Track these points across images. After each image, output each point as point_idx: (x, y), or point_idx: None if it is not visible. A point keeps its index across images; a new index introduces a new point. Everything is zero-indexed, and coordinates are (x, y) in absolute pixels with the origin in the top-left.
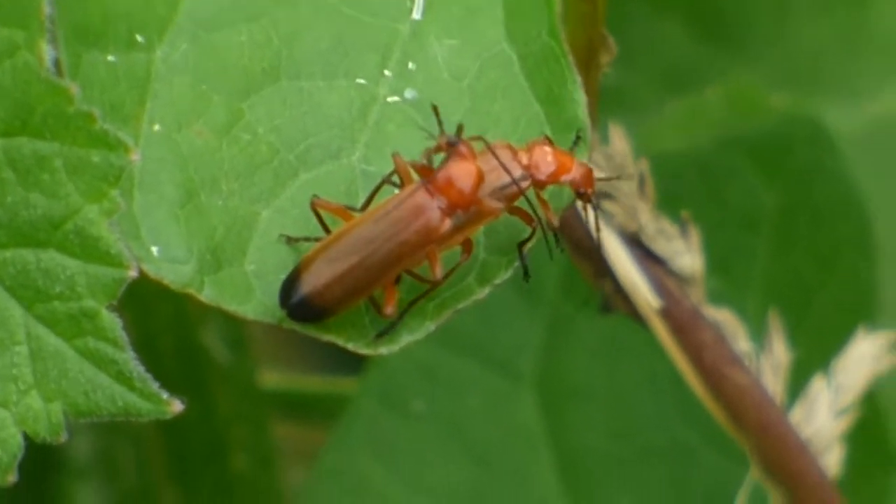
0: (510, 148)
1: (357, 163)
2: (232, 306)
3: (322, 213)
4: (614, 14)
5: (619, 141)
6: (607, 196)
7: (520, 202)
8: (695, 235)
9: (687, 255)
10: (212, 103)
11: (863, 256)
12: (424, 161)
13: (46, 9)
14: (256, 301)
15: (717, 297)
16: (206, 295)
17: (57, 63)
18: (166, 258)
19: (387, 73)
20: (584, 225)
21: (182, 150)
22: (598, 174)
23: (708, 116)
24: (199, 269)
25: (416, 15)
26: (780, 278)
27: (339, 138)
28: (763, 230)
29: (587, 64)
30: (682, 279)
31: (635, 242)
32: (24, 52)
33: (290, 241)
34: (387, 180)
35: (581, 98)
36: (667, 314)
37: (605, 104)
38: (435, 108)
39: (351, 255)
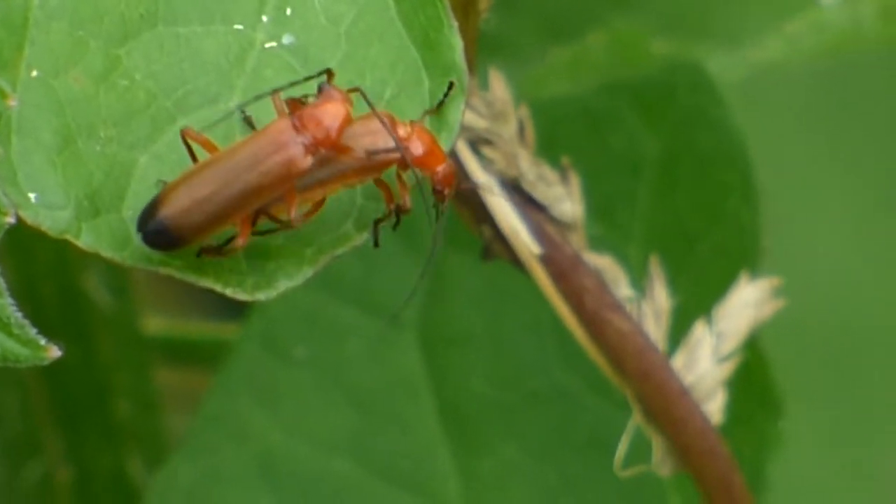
0: (392, 117)
1: (234, 108)
2: (109, 252)
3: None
4: None
5: (498, 87)
6: (487, 142)
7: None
8: (575, 181)
9: (567, 202)
10: (89, 49)
11: (745, 203)
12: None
13: None
14: (134, 247)
15: (598, 244)
16: (84, 241)
17: None
18: (44, 204)
19: (264, 18)
20: (463, 171)
21: (60, 96)
22: (478, 120)
23: (590, 63)
24: (77, 215)
25: None
26: (662, 225)
27: (217, 84)
28: (645, 176)
29: (465, 9)
30: (562, 225)
31: (515, 188)
32: None
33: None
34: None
35: (458, 43)
36: (547, 260)
37: (486, 51)
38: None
39: (210, 184)
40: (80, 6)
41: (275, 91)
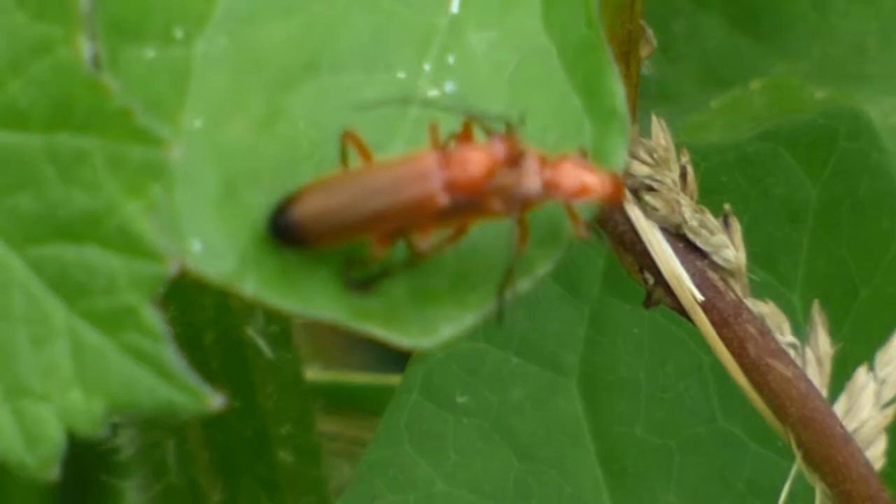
0: (540, 158)
1: None
2: (273, 301)
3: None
4: (656, 7)
5: (660, 134)
6: (650, 189)
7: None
8: (737, 228)
9: (729, 248)
10: (251, 98)
11: None
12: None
13: (83, 4)
14: (297, 296)
15: (760, 290)
16: (248, 290)
17: (95, 59)
18: (208, 253)
19: (426, 66)
20: (626, 218)
21: (222, 145)
22: (640, 167)
23: (750, 110)
24: (241, 264)
25: (454, 8)
26: (823, 271)
27: (381, 132)
28: (806, 223)
29: (627, 56)
30: (724, 272)
31: (678, 236)
32: (63, 48)
33: None
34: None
35: (620, 90)
36: (710, 307)
37: (647, 98)
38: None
39: (346, 195)
40: (242, 55)
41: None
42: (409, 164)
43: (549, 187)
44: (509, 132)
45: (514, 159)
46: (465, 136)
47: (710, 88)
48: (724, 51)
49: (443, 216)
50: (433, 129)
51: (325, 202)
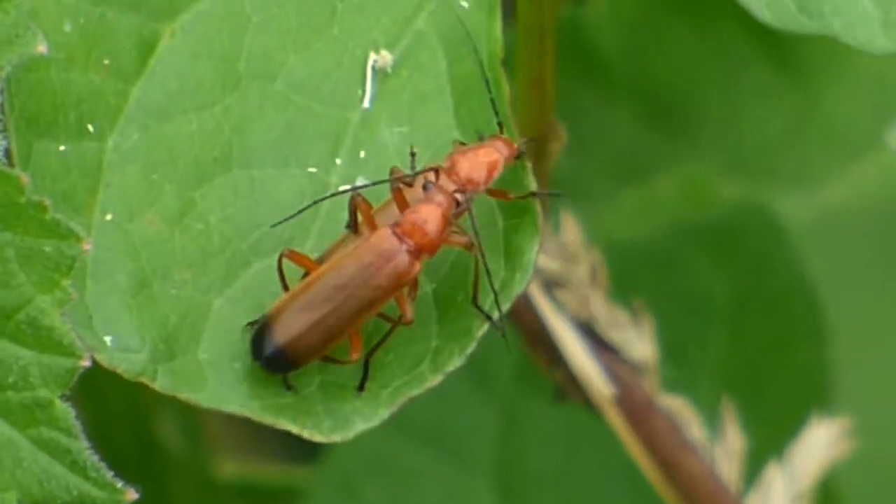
0: (442, 171)
1: (310, 252)
2: (186, 395)
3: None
4: (565, 103)
5: (571, 229)
6: (560, 284)
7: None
8: (647, 324)
9: (640, 344)
10: (163, 192)
11: (815, 344)
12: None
13: None
14: (210, 389)
15: (670, 386)
16: (160, 384)
17: (8, 152)
18: (119, 347)
19: (338, 161)
20: (536, 313)
21: (134, 239)
22: (550, 263)
23: (660, 205)
24: (153, 358)
25: (367, 104)
26: (733, 366)
27: (291, 227)
28: (716, 318)
29: (538, 152)
30: (635, 367)
31: (588, 331)
32: None
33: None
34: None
35: (532, 184)
36: (620, 402)
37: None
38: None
39: (322, 304)
40: (154, 149)
41: (356, 189)
42: (369, 250)
43: (472, 187)
44: (435, 173)
45: (451, 197)
46: (399, 201)
47: (620, 183)
48: (633, 146)
49: (415, 281)
50: (362, 207)
51: (303, 320)
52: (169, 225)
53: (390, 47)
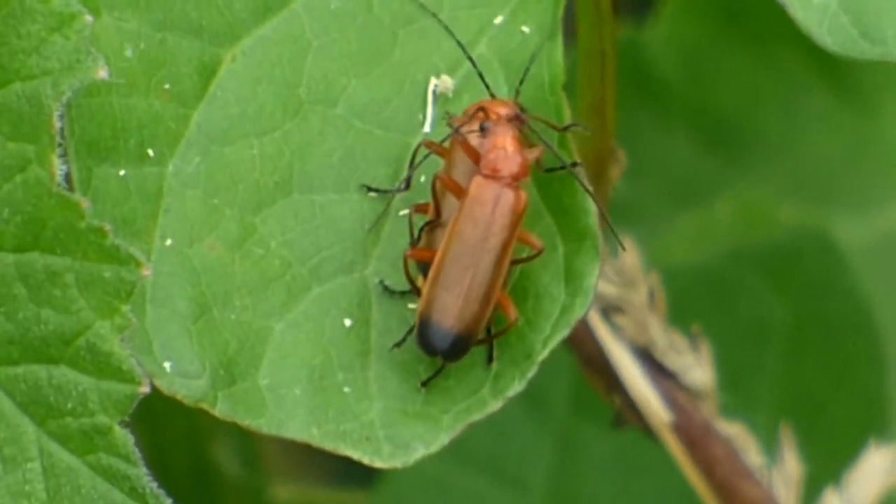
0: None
1: (370, 276)
2: (246, 421)
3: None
4: (623, 126)
5: (629, 254)
6: (618, 309)
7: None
8: (705, 349)
9: (698, 369)
10: (224, 217)
11: (873, 370)
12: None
13: (56, 123)
14: (270, 415)
15: (728, 411)
16: (220, 410)
17: (68, 177)
18: (179, 373)
19: (399, 184)
20: (594, 338)
21: (194, 264)
22: (609, 288)
23: (717, 229)
24: (213, 383)
25: (427, 128)
26: (791, 392)
27: (352, 252)
28: (773, 344)
29: (597, 176)
30: (693, 393)
31: (646, 356)
32: (35, 167)
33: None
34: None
35: (592, 208)
36: (678, 428)
37: (614, 217)
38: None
39: (463, 274)
40: (214, 174)
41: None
42: (476, 204)
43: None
44: (483, 113)
45: (510, 120)
46: (468, 150)
47: (677, 207)
48: (691, 170)
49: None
50: (444, 180)
51: (455, 296)
52: (229, 250)
53: (451, 72)
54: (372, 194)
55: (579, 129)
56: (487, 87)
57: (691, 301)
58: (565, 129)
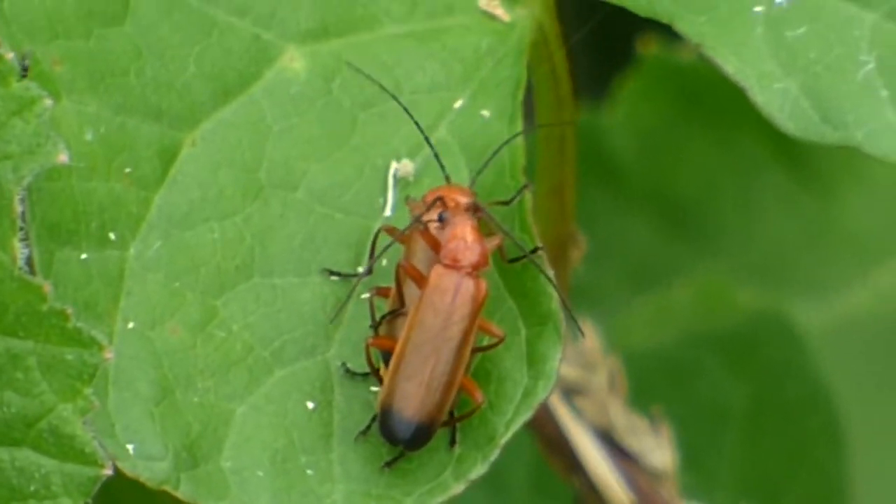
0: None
1: (332, 359)
2: (209, 503)
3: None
4: (582, 210)
5: (590, 337)
6: (579, 392)
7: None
8: (666, 431)
9: (658, 451)
10: (185, 301)
11: (831, 452)
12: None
13: (18, 207)
14: (233, 497)
15: (688, 493)
16: (183, 492)
17: (30, 261)
18: (142, 455)
19: (359, 269)
20: (555, 421)
21: (156, 347)
22: (570, 370)
23: (676, 312)
24: (176, 466)
25: (388, 212)
26: (750, 473)
27: (314, 335)
28: (733, 426)
29: (558, 260)
30: (653, 475)
31: (607, 438)
32: None
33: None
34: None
35: (554, 292)
36: None
37: (574, 300)
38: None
39: (424, 363)
40: (176, 258)
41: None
42: (436, 293)
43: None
44: (441, 202)
45: (468, 210)
46: (429, 240)
47: (636, 290)
48: (649, 253)
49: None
50: (407, 269)
51: (416, 386)
52: (191, 333)
53: (412, 156)
54: (333, 278)
55: (528, 190)
56: (444, 170)
57: (651, 384)
58: (514, 197)
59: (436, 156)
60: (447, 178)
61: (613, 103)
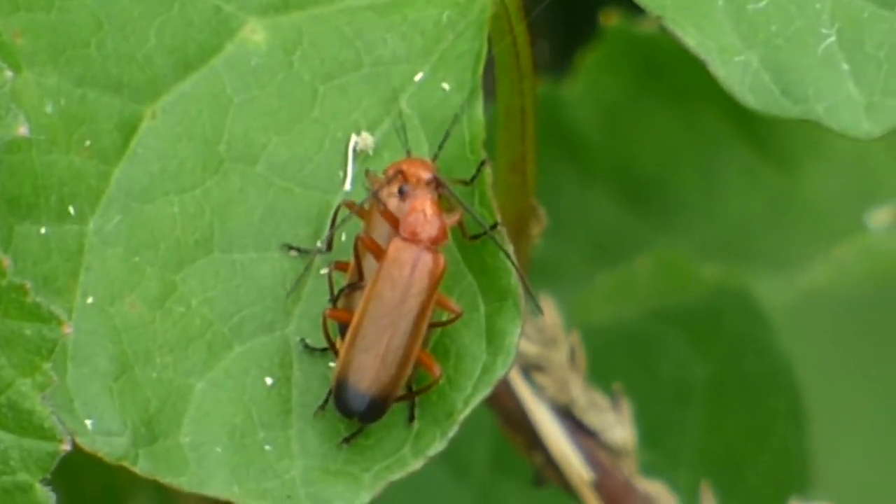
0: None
1: (291, 335)
2: (167, 478)
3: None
4: (543, 184)
5: (549, 313)
6: (539, 368)
7: None
8: (626, 407)
9: (618, 428)
10: (145, 275)
11: (794, 428)
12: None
13: None
14: (192, 473)
15: (649, 470)
16: (141, 467)
17: None
18: (100, 431)
19: (319, 244)
20: (514, 397)
21: (115, 322)
22: (529, 346)
23: (637, 287)
24: (134, 441)
25: (348, 186)
26: (711, 450)
27: (273, 311)
28: (694, 402)
29: (518, 234)
30: (613, 451)
31: (567, 414)
32: None
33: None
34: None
35: (512, 268)
36: (599, 487)
37: (535, 275)
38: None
39: (380, 336)
40: (135, 232)
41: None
42: (394, 266)
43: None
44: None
45: (429, 184)
46: (387, 215)
47: (597, 265)
48: (611, 227)
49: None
50: (366, 242)
51: (371, 358)
52: (150, 308)
53: (371, 129)
54: (293, 253)
55: (488, 165)
56: (406, 144)
57: (611, 359)
58: (475, 175)
59: (402, 128)
60: (408, 152)
61: (575, 76)
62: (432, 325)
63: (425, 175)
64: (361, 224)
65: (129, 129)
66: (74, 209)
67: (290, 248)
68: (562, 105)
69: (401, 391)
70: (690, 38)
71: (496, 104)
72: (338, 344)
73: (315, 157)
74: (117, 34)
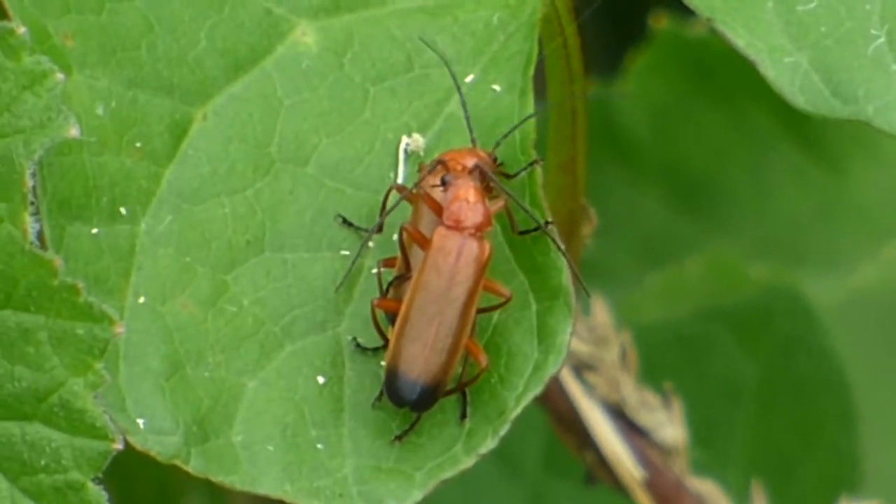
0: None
1: (343, 333)
2: (219, 477)
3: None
4: (593, 185)
5: (600, 312)
6: (590, 367)
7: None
8: (677, 407)
9: (670, 427)
10: (196, 275)
11: (844, 428)
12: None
13: (29, 181)
14: (244, 472)
15: (700, 468)
16: (194, 466)
17: (41, 236)
18: (152, 430)
19: (370, 244)
20: (566, 396)
21: (167, 322)
22: (581, 346)
23: (687, 287)
24: (186, 440)
25: None
26: (761, 449)
27: (324, 310)
28: (744, 401)
29: (569, 235)
30: (665, 450)
31: (618, 414)
32: (8, 225)
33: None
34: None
35: (565, 266)
36: (650, 485)
37: (585, 275)
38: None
39: (429, 325)
40: (186, 232)
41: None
42: (439, 255)
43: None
44: (443, 167)
45: (471, 172)
46: (432, 204)
47: (647, 265)
48: (661, 228)
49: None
50: (410, 232)
51: (421, 347)
52: (202, 308)
53: (422, 130)
54: (344, 252)
55: (538, 165)
56: (472, 133)
57: (663, 359)
58: (520, 171)
59: (466, 119)
60: (473, 142)
61: (625, 78)
62: (481, 311)
63: (469, 163)
64: (409, 213)
65: (179, 131)
66: (126, 210)
67: (344, 220)
68: (612, 106)
69: (451, 383)
70: (740, 40)
71: (547, 105)
72: (388, 334)
73: (366, 159)
74: (168, 36)
